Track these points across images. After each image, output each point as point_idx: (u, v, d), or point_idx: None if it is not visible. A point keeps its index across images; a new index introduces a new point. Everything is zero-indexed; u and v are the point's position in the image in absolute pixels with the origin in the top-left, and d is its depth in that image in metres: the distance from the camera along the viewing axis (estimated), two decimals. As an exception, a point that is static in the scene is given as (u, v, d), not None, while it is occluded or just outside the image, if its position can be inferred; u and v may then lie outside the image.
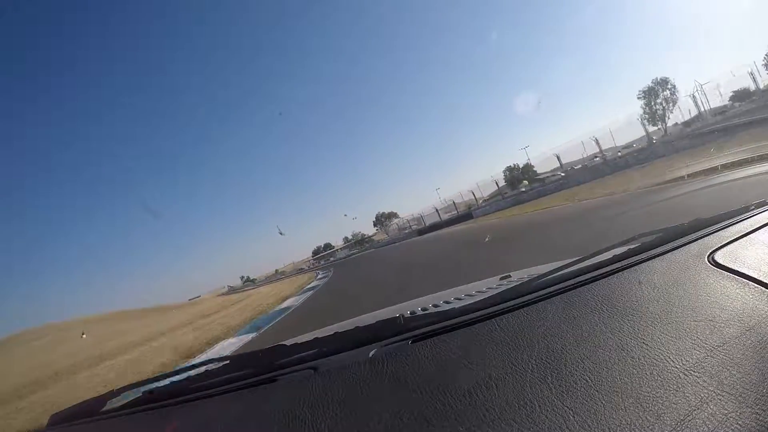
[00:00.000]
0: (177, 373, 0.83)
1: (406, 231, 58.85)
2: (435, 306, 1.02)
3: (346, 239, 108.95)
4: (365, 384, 0.56)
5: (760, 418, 0.37)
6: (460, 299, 1.02)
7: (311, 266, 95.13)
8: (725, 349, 0.46)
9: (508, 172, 55.08)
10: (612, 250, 0.80)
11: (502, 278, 1.22)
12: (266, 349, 0.72)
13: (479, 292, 1.04)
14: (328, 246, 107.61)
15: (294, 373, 0.67)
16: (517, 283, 0.74)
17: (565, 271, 0.73)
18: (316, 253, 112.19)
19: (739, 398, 0.40)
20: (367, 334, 0.70)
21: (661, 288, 0.61)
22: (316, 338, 0.71)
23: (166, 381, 0.79)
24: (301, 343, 0.71)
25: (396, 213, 76.83)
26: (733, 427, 0.37)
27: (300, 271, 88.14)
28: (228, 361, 0.76)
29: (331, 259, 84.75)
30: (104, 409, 0.80)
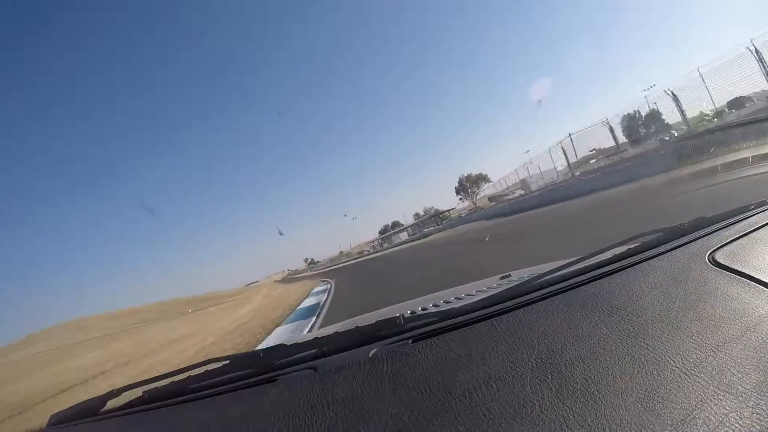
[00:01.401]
0: (177, 373, 0.82)
1: (509, 198, 41.27)
2: (435, 306, 1.02)
3: (416, 215, 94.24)
4: (365, 384, 0.55)
5: (760, 418, 0.37)
6: (460, 299, 1.02)
7: (374, 247, 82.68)
8: (726, 348, 0.46)
9: (626, 121, 36.00)
10: (612, 250, 0.79)
11: (502, 278, 1.23)
12: (266, 349, 0.72)
13: (479, 291, 1.04)
14: (396, 224, 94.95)
15: (294, 373, 0.67)
16: (517, 283, 0.74)
17: (565, 270, 0.73)
18: (383, 231, 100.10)
19: (739, 398, 0.40)
20: (367, 334, 0.69)
21: (662, 288, 0.61)
22: (316, 338, 0.71)
23: (166, 381, 0.79)
24: (301, 343, 0.71)
25: (486, 176, 53.81)
26: (733, 427, 0.37)
27: (360, 254, 78.86)
28: (228, 361, 0.75)
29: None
30: (104, 409, 0.79)
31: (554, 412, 0.42)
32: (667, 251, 0.74)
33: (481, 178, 54.17)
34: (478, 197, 54.66)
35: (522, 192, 39.26)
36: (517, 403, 0.44)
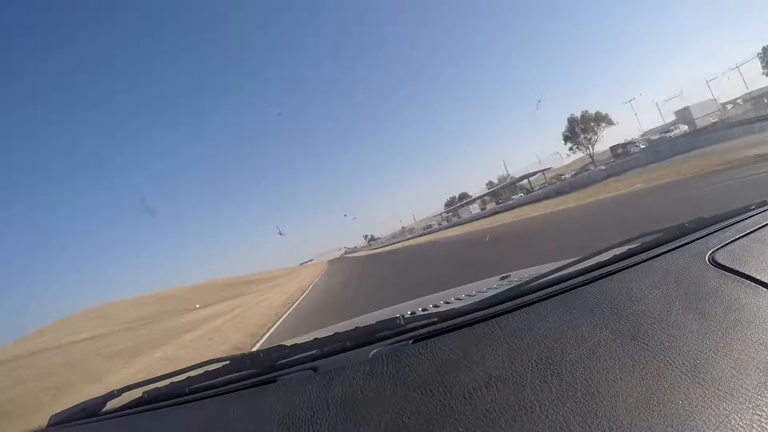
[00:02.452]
0: (177, 373, 0.82)
1: (667, 136, 26.00)
2: (435, 306, 1.02)
3: (490, 184, 79.04)
4: (365, 384, 0.55)
5: (761, 419, 0.37)
6: (460, 299, 1.02)
7: (448, 218, 70.08)
8: (726, 349, 0.46)
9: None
10: (612, 250, 0.80)
11: (502, 278, 1.22)
12: (266, 349, 0.72)
13: (479, 292, 1.04)
14: (463, 196, 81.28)
15: (294, 374, 0.67)
16: (517, 283, 0.74)
17: (565, 271, 0.73)
18: (449, 204, 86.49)
19: (740, 399, 0.39)
20: (368, 335, 0.69)
21: (662, 288, 0.61)
22: (316, 338, 0.71)
23: (166, 382, 0.79)
24: (301, 344, 0.71)
25: (607, 115, 36.32)
26: (733, 428, 0.37)
27: (427, 228, 66.74)
28: (228, 362, 0.75)
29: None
30: (104, 409, 0.79)
31: (555, 412, 0.42)
32: (667, 251, 0.74)
33: (600, 118, 36.88)
34: (594, 148, 38.13)
35: (685, 128, 24.32)
36: (517, 404, 0.44)
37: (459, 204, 73.29)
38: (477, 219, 40.20)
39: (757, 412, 0.38)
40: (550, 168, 47.33)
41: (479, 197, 62.67)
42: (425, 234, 56.09)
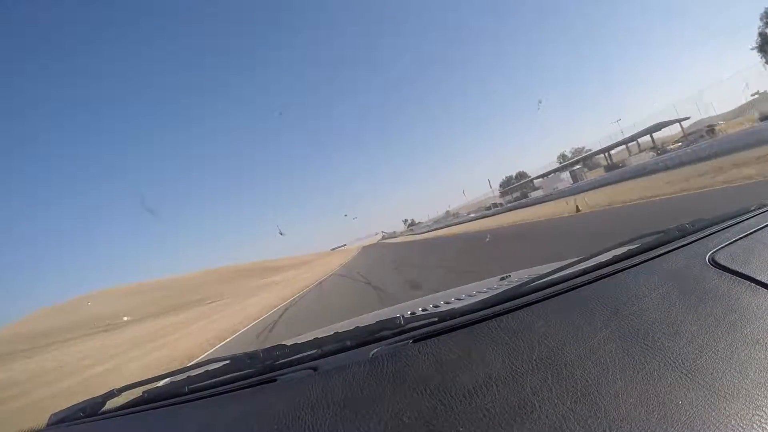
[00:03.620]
0: (177, 373, 0.83)
1: None
2: (435, 306, 1.03)
3: (562, 158, 62.91)
4: (365, 384, 0.55)
5: (762, 420, 0.37)
6: (460, 299, 1.03)
7: (510, 201, 55.95)
8: (726, 350, 0.46)
9: None
10: (612, 251, 0.80)
11: (502, 278, 1.23)
12: (266, 349, 0.72)
13: (479, 292, 1.04)
14: (521, 175, 66.58)
15: (294, 373, 0.68)
16: (517, 284, 0.74)
17: (566, 271, 0.73)
18: (505, 184, 71.60)
19: (740, 400, 0.40)
20: (368, 334, 0.70)
21: (662, 289, 0.61)
22: (316, 338, 0.71)
23: (166, 381, 0.79)
24: (301, 343, 0.71)
25: None
26: (733, 427, 0.37)
27: (493, 208, 51.93)
28: (228, 361, 0.75)
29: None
30: (104, 409, 0.80)
31: (554, 412, 0.42)
32: (668, 252, 0.74)
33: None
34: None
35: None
36: (517, 404, 0.44)
37: (515, 184, 58.73)
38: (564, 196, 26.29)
39: (757, 412, 0.38)
40: (689, 117, 31.99)
41: (558, 169, 47.69)
42: (480, 218, 41.81)
